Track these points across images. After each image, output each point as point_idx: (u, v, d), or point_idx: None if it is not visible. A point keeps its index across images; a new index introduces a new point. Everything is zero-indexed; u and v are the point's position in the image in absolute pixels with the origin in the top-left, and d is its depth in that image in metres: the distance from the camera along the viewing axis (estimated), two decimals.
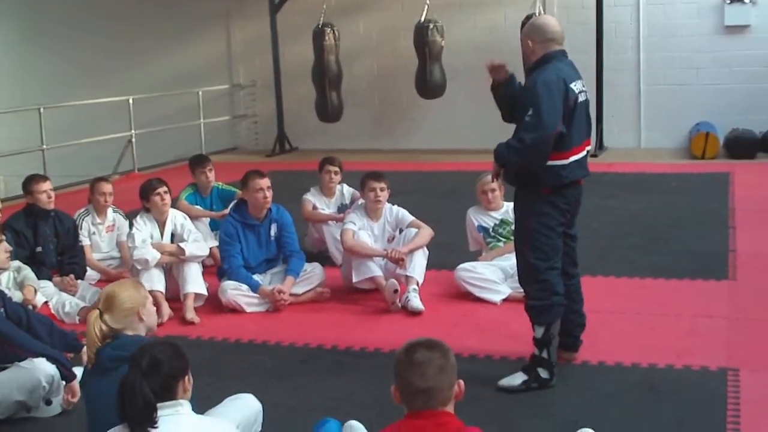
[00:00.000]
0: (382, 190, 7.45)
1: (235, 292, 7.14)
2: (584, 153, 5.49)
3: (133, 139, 15.68)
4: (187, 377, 3.61)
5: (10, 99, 18.75)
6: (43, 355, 5.15)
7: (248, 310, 7.14)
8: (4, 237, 5.43)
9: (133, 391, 3.43)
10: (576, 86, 5.33)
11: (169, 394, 3.52)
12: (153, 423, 3.44)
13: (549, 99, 5.16)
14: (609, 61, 15.35)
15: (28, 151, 14.73)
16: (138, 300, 4.20)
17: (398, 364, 3.24)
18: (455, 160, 14.90)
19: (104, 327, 4.08)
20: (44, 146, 14.05)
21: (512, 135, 5.38)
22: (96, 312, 4.10)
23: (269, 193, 7.40)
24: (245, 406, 4.51)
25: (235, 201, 7.74)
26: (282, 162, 16.16)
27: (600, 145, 15.22)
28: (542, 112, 5.12)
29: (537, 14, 14.58)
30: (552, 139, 5.17)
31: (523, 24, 5.69)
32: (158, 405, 3.46)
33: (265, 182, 7.40)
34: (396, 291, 6.97)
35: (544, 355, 5.35)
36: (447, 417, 3.19)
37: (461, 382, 3.27)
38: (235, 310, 7.15)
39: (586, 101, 5.45)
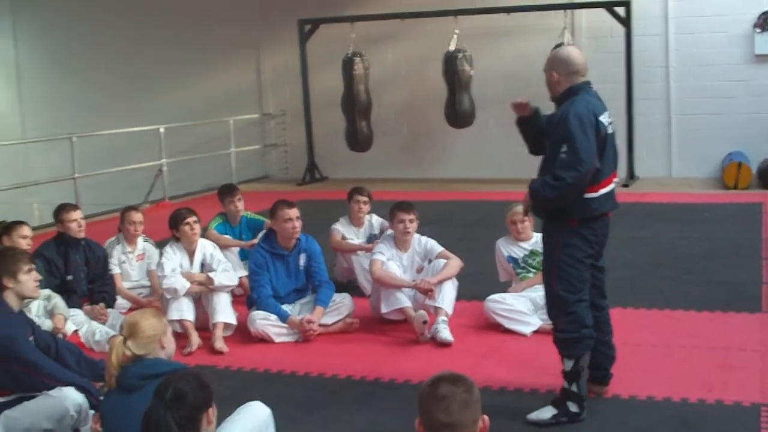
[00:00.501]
0: (411, 221, 7.44)
1: (264, 321, 7.14)
2: (613, 185, 5.46)
3: (164, 168, 15.76)
4: (211, 409, 3.61)
5: (44, 127, 18.97)
6: (71, 384, 5.15)
7: (277, 340, 7.13)
8: (34, 266, 5.44)
9: (158, 423, 3.43)
10: (604, 119, 5.31)
11: (193, 425, 3.51)
12: None
13: (583, 135, 5.13)
14: (639, 91, 15.26)
15: (61, 179, 14.85)
16: (160, 328, 4.28)
17: (422, 398, 3.22)
18: (484, 190, 14.88)
19: (128, 352, 4.13)
20: (76, 175, 14.16)
21: (541, 168, 5.36)
22: (120, 338, 4.15)
23: (298, 224, 7.40)
24: (254, 414, 4.49)
25: (264, 231, 7.74)
26: (312, 191, 16.19)
27: (631, 175, 15.13)
28: (579, 149, 5.10)
29: (566, 43, 14.60)
30: (590, 176, 5.15)
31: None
32: None
33: (294, 212, 7.40)
34: (425, 322, 6.94)
35: (574, 388, 5.29)
36: None
37: (486, 417, 3.24)
38: (264, 340, 7.14)
39: (614, 133, 5.43)
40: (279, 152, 18.91)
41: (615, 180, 5.51)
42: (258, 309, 7.23)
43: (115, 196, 14.92)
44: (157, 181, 15.79)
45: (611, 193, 5.42)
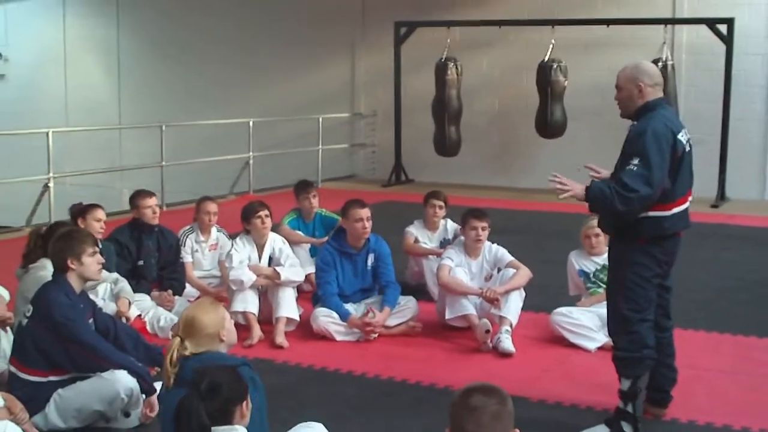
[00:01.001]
0: (483, 229, 7.36)
1: (326, 319, 7.13)
2: (687, 204, 5.27)
3: (251, 161, 15.93)
4: (245, 403, 3.58)
5: (141, 114, 19.35)
6: (125, 368, 5.20)
7: (338, 338, 7.11)
8: (99, 248, 5.50)
9: (190, 414, 3.43)
10: (682, 137, 5.15)
11: (226, 418, 3.50)
12: None
13: (659, 153, 4.98)
14: (736, 110, 14.91)
15: (148, 166, 15.14)
16: (218, 322, 4.24)
17: (453, 408, 3.15)
18: (571, 202, 14.60)
19: (185, 353, 4.10)
20: (164, 163, 14.40)
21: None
22: (177, 339, 4.12)
23: (369, 224, 7.37)
24: None
25: (335, 229, 7.74)
26: (397, 193, 16.21)
27: (722, 196, 14.80)
28: (653, 165, 4.94)
29: (664, 59, 14.35)
30: (657, 196, 5.00)
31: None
32: (214, 429, 3.43)
33: (365, 212, 7.37)
34: (488, 331, 6.85)
35: (629, 409, 5.15)
36: None
37: (518, 431, 3.15)
38: (326, 337, 7.14)
39: (691, 150, 5.25)
40: (367, 152, 18.97)
41: (690, 199, 5.32)
42: (322, 306, 7.22)
43: (201, 186, 15.07)
44: (243, 173, 15.96)
45: (685, 212, 5.25)
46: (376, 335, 7.13)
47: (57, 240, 5.40)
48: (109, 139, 20.10)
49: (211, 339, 4.19)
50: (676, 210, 5.15)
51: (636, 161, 4.98)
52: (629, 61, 5.36)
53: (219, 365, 3.71)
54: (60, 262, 5.29)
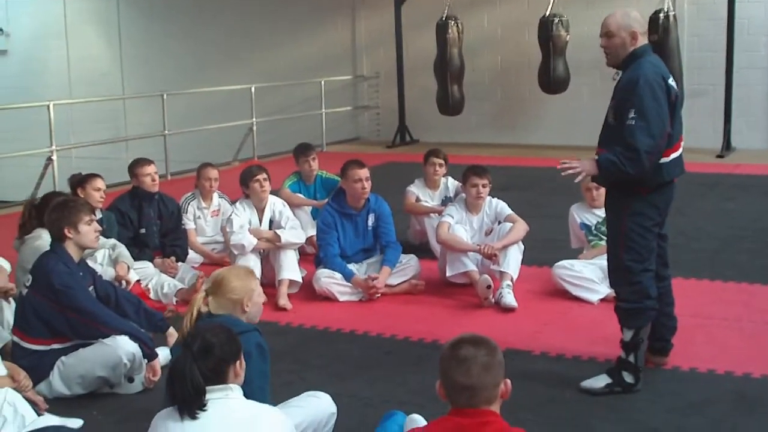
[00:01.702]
0: (484, 186, 7.34)
1: (328, 280, 7.15)
2: (681, 149, 5.23)
3: (254, 127, 15.90)
4: (239, 362, 3.58)
5: (143, 85, 19.31)
6: (126, 333, 5.24)
7: (341, 299, 7.13)
8: (95, 217, 5.51)
9: (183, 374, 3.42)
10: (672, 82, 5.10)
11: (219, 377, 3.49)
12: (202, 406, 3.42)
13: (654, 100, 4.92)
14: (740, 59, 14.74)
15: (151, 135, 15.13)
16: (245, 291, 4.26)
17: (443, 360, 3.15)
18: (576, 157, 14.59)
19: (204, 309, 4.12)
20: (166, 131, 14.39)
21: (602, 137, 5.17)
22: (202, 294, 4.13)
23: (368, 184, 7.37)
24: (319, 406, 4.46)
25: (335, 190, 7.73)
26: (402, 154, 16.18)
27: (727, 146, 14.69)
28: (649, 115, 4.89)
29: (666, 9, 14.22)
30: (664, 142, 4.96)
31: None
32: (208, 388, 3.44)
33: (364, 173, 7.36)
34: (489, 287, 6.86)
35: (631, 359, 5.15)
36: (491, 416, 3.08)
37: (508, 381, 3.15)
38: (329, 298, 7.15)
39: (681, 96, 5.21)
40: (371, 114, 18.90)
41: (682, 144, 5.27)
42: (324, 267, 7.23)
43: (206, 154, 15.07)
44: (246, 139, 15.94)
45: (680, 158, 5.20)
46: (379, 295, 7.14)
47: (53, 210, 5.41)
48: (113, 111, 20.05)
49: (234, 305, 4.21)
50: (673, 156, 5.11)
51: (632, 114, 4.93)
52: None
53: (211, 325, 3.71)
54: (57, 231, 5.31)
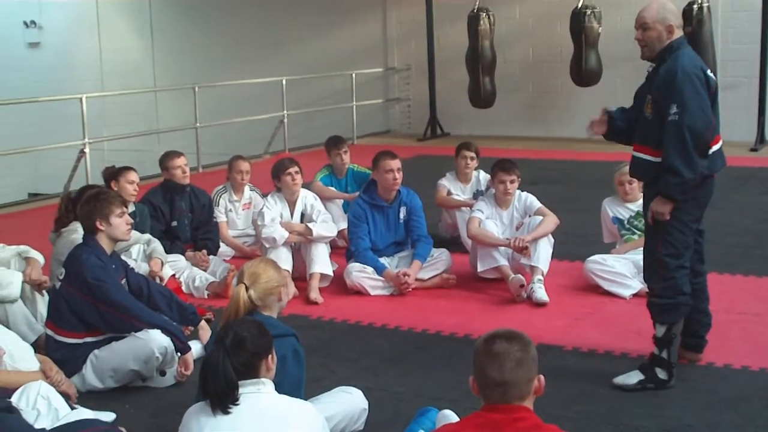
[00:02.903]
0: (512, 182, 7.30)
1: (360, 274, 7.14)
2: (721, 143, 5.17)
3: (285, 120, 15.93)
4: (270, 356, 3.59)
5: (175, 77, 19.37)
6: (158, 327, 5.25)
7: (372, 293, 7.12)
8: (126, 209, 5.53)
9: (216, 369, 3.44)
10: (711, 74, 5.05)
11: (251, 372, 3.51)
12: (234, 400, 3.44)
13: (695, 92, 4.88)
14: None
15: (182, 128, 15.19)
16: (280, 280, 4.28)
17: (476, 355, 3.14)
18: (608, 150, 14.46)
19: (248, 301, 4.12)
20: (198, 124, 14.45)
21: (643, 132, 5.12)
22: (243, 286, 4.13)
23: (399, 175, 7.36)
24: (351, 402, 4.48)
25: (366, 183, 7.72)
26: (432, 147, 16.15)
27: (761, 139, 14.55)
28: (692, 109, 4.85)
29: (700, 1, 14.10)
30: (707, 133, 4.90)
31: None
32: (240, 383, 3.45)
33: (396, 163, 7.35)
34: (522, 286, 6.82)
35: (664, 355, 5.11)
36: (524, 412, 3.06)
37: (542, 377, 3.13)
38: (360, 292, 7.15)
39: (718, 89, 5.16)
40: (402, 107, 18.88)
41: (721, 138, 5.21)
42: (355, 261, 7.23)
43: (237, 147, 15.14)
44: (278, 132, 15.96)
45: (720, 151, 5.14)
46: (411, 287, 7.14)
47: (85, 202, 5.44)
48: (146, 103, 20.15)
49: (273, 295, 4.21)
50: (714, 149, 5.05)
51: (675, 109, 4.88)
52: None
53: (243, 319, 3.72)
54: (89, 223, 5.34)
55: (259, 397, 3.49)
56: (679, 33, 5.12)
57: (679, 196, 4.97)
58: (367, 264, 7.21)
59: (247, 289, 4.13)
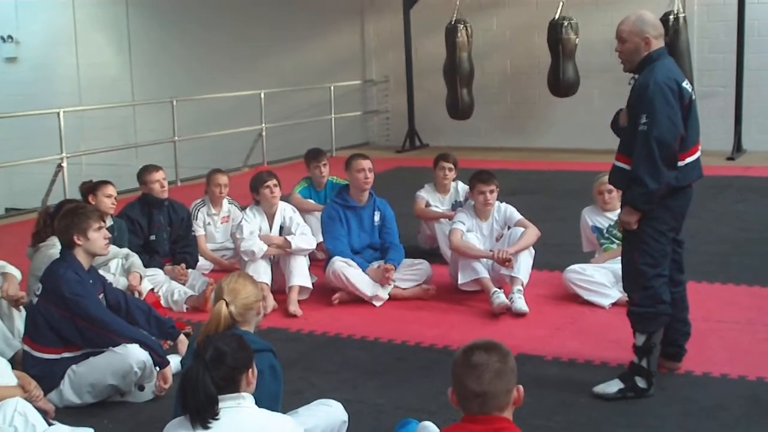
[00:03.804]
0: (491, 192, 7.31)
1: (342, 263, 7.18)
2: (698, 154, 5.19)
3: (264, 133, 15.91)
4: (251, 370, 3.57)
5: (153, 91, 19.33)
6: (136, 341, 5.22)
7: (353, 281, 7.13)
8: (104, 224, 5.50)
9: (196, 383, 3.41)
10: (687, 85, 5.08)
11: (231, 386, 3.49)
12: (214, 415, 3.41)
13: (666, 104, 4.91)
14: (751, 61, 14.67)
15: (160, 142, 15.15)
16: (258, 295, 4.27)
17: (455, 366, 3.14)
18: (586, 160, 14.59)
19: (229, 317, 4.09)
20: (176, 138, 14.41)
21: (621, 142, 5.15)
22: (223, 302, 4.10)
23: (371, 175, 7.46)
24: (330, 414, 4.45)
25: (339, 188, 7.80)
26: (411, 158, 16.16)
27: (738, 148, 14.63)
28: (661, 120, 4.88)
29: (676, 11, 14.19)
30: (675, 144, 4.93)
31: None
32: (220, 397, 3.43)
33: (367, 163, 7.47)
34: (501, 304, 6.79)
35: (644, 364, 5.12)
36: (503, 423, 3.06)
37: (521, 387, 3.13)
38: (340, 303, 7.16)
39: (696, 100, 5.18)
40: (380, 119, 18.90)
41: (700, 149, 5.23)
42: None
43: (216, 160, 15.12)
44: (256, 145, 15.95)
45: (697, 162, 5.17)
46: (392, 286, 7.19)
47: (63, 216, 5.41)
48: (124, 117, 20.10)
49: (251, 309, 4.20)
50: (688, 160, 5.08)
51: (644, 119, 4.92)
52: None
53: (223, 333, 3.70)
54: (66, 238, 5.31)
55: (239, 411, 3.47)
56: (658, 44, 5.14)
57: (644, 207, 5.00)
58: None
59: (227, 305, 4.11)
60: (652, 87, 4.94)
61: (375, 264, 7.39)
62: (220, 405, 3.44)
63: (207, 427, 3.40)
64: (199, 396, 3.41)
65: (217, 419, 3.42)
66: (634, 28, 5.14)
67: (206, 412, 3.41)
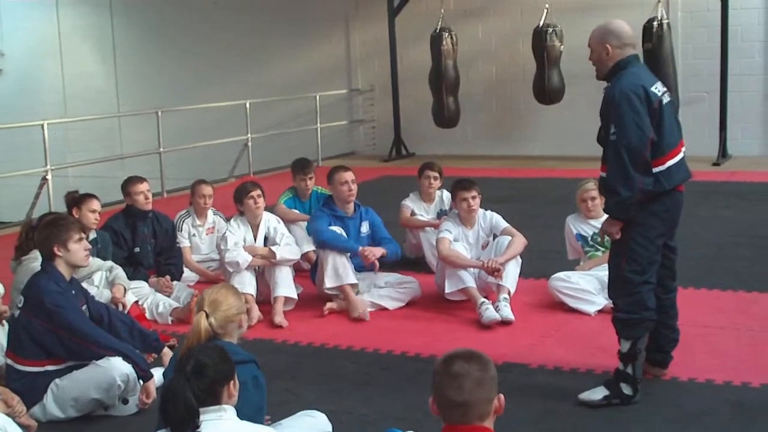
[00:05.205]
0: (473, 198, 7.29)
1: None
2: (681, 155, 5.18)
3: (249, 143, 15.90)
4: (232, 382, 3.56)
5: (138, 102, 19.30)
6: (118, 353, 5.19)
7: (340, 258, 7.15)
8: (84, 235, 5.47)
9: (176, 396, 3.40)
10: (656, 89, 5.07)
11: (212, 398, 3.48)
12: (195, 428, 3.40)
13: (632, 110, 4.92)
14: (734, 66, 14.73)
15: (145, 153, 15.12)
16: (241, 307, 4.25)
17: (435, 375, 3.13)
18: (572, 167, 14.61)
19: (210, 329, 4.08)
20: (161, 149, 14.38)
21: (603, 153, 5.16)
22: (203, 314, 4.10)
23: (354, 186, 7.48)
24: (314, 425, 4.46)
25: (324, 199, 7.81)
26: (397, 167, 16.14)
27: (723, 153, 14.67)
28: (628, 128, 4.90)
29: (659, 17, 14.22)
30: (645, 149, 4.92)
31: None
32: (201, 410, 3.42)
33: (350, 175, 7.48)
34: (493, 320, 6.76)
35: (629, 370, 5.11)
36: None
37: (501, 396, 3.12)
38: (326, 314, 7.14)
39: (671, 102, 5.18)
40: (366, 128, 18.89)
41: (683, 149, 5.22)
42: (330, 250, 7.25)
43: (202, 171, 15.08)
44: (242, 155, 15.92)
45: (680, 163, 5.15)
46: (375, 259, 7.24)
47: (43, 228, 5.40)
48: (109, 129, 20.03)
49: (232, 321, 4.17)
50: (670, 163, 5.07)
51: (613, 129, 4.96)
52: (627, 23, 5.27)
53: (204, 345, 3.68)
54: (47, 249, 5.29)
55: (220, 424, 3.46)
56: (624, 52, 5.16)
57: (621, 216, 5.02)
58: (337, 243, 7.22)
59: (207, 316, 4.09)
60: (617, 96, 4.98)
61: (365, 277, 7.42)
62: (202, 417, 3.42)
63: None
64: (180, 408, 3.39)
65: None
66: (598, 38, 5.22)
67: (187, 424, 3.40)
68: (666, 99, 5.10)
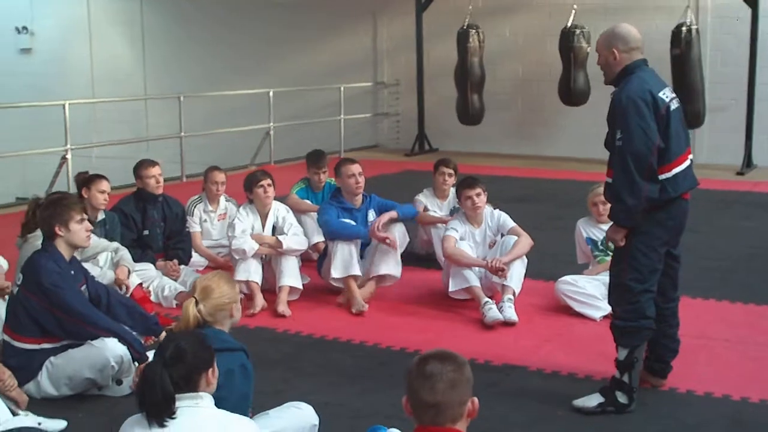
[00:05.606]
0: (478, 195, 7.23)
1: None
2: (688, 162, 5.11)
3: (271, 132, 15.89)
4: (211, 370, 3.53)
5: (166, 86, 19.34)
6: (114, 334, 5.20)
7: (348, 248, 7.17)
8: (86, 216, 5.46)
9: (153, 381, 3.37)
10: (664, 95, 5.00)
11: (190, 385, 3.44)
12: (171, 414, 3.37)
13: (639, 116, 4.85)
14: (763, 75, 14.53)
15: (166, 137, 15.14)
16: (233, 296, 4.23)
17: (409, 375, 3.09)
18: (594, 170, 14.45)
19: (198, 316, 4.08)
20: (182, 134, 14.41)
21: (609, 158, 5.10)
22: (193, 300, 4.10)
23: (361, 179, 7.45)
24: (300, 417, 4.40)
25: (332, 191, 7.78)
26: (420, 162, 16.06)
27: (748, 163, 14.50)
28: (634, 134, 4.83)
29: (689, 23, 14.08)
30: (651, 156, 4.86)
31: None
32: (178, 396, 3.39)
33: (357, 168, 7.45)
34: (496, 320, 6.71)
35: (625, 378, 5.05)
36: None
37: (475, 399, 3.07)
38: (328, 305, 7.15)
39: (679, 108, 5.11)
40: (390, 121, 18.85)
41: (690, 157, 5.15)
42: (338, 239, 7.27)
43: (224, 157, 15.10)
44: (263, 144, 15.92)
45: (687, 171, 5.08)
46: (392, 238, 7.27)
47: (45, 207, 5.40)
48: (135, 112, 20.11)
49: (222, 310, 4.16)
50: (676, 170, 4.99)
51: (619, 135, 4.90)
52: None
53: (185, 332, 3.66)
54: (48, 229, 5.29)
55: (196, 411, 3.43)
56: (631, 56, 5.08)
57: (626, 223, 4.96)
58: (347, 231, 7.25)
59: (197, 303, 4.08)
60: (624, 102, 4.90)
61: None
62: (178, 404, 3.39)
63: (163, 426, 3.36)
64: (156, 393, 3.37)
65: (174, 418, 3.38)
66: (605, 42, 5.15)
67: (163, 410, 3.37)
68: (674, 105, 5.02)
